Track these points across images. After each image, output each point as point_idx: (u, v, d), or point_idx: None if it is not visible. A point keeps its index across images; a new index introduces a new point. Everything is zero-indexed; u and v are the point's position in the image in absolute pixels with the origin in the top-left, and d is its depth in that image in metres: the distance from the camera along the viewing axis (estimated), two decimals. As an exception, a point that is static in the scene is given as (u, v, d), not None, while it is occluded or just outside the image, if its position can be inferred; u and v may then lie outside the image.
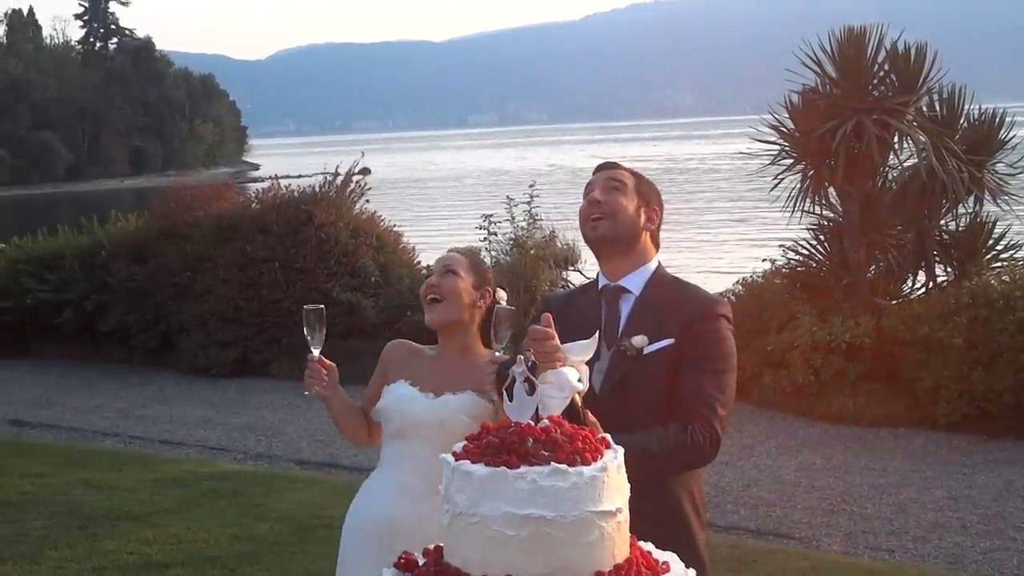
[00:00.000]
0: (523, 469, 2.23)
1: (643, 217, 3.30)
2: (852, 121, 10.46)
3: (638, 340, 3.15)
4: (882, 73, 10.94)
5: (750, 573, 6.47)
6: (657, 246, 3.38)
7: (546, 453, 2.27)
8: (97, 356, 14.99)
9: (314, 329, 3.46)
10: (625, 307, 3.26)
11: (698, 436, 3.03)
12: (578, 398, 2.59)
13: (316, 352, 3.54)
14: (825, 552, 7.09)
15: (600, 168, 3.41)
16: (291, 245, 13.66)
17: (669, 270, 3.39)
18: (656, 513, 2.99)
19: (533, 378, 2.41)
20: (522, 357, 2.44)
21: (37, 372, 14.56)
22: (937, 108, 11.16)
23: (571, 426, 2.36)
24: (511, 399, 2.38)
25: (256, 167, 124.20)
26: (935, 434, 9.64)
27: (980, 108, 11.41)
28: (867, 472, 8.71)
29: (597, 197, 3.28)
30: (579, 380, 2.72)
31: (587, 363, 3.04)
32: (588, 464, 2.26)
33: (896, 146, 11.00)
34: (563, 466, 2.23)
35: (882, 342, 10.36)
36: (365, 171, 15.21)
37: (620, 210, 3.26)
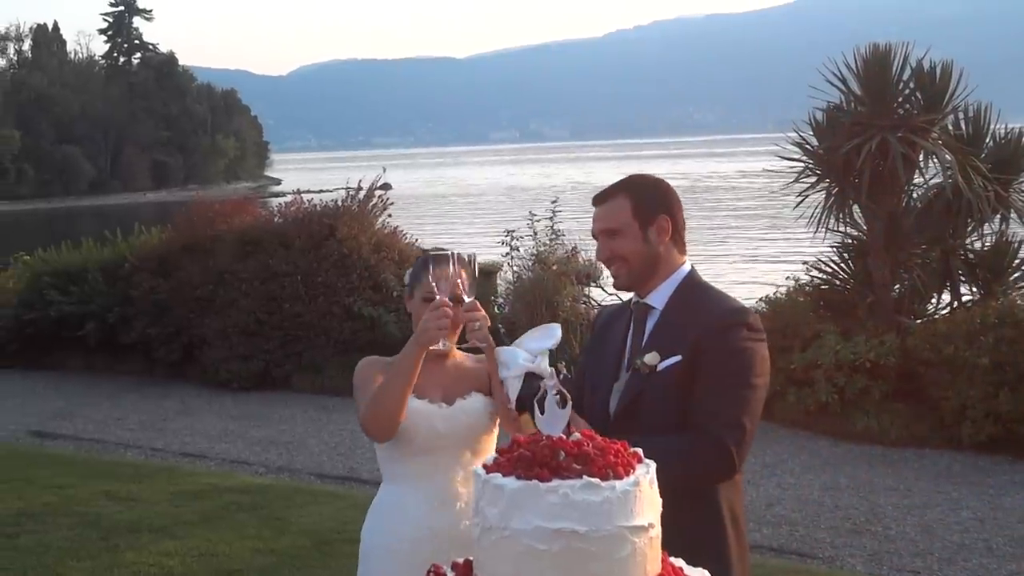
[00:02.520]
0: (555, 483, 2.21)
1: (653, 237, 3.20)
2: (877, 139, 10.41)
3: (650, 358, 3.11)
4: (907, 91, 10.89)
5: (774, 593, 6.41)
6: (682, 250, 3.28)
7: (578, 467, 2.24)
8: (119, 368, 15.05)
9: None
10: (650, 324, 3.22)
11: (702, 448, 2.96)
12: (554, 384, 2.50)
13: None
14: (849, 572, 7.02)
15: (594, 202, 3.31)
16: (313, 259, 13.68)
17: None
18: (692, 525, 2.96)
19: (565, 391, 2.39)
20: (553, 370, 2.42)
21: (60, 384, 14.62)
22: (963, 127, 11.10)
23: (603, 440, 2.34)
24: (542, 412, 2.36)
25: (277, 182, 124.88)
26: (960, 454, 9.57)
27: (1006, 127, 11.34)
28: (892, 492, 8.63)
29: (601, 257, 3.28)
30: (534, 360, 2.79)
31: (607, 384, 3.04)
32: (621, 478, 2.23)
33: (921, 164, 10.94)
34: (595, 480, 2.21)
35: (907, 361, 10.29)
36: (386, 186, 15.25)
37: (627, 256, 3.21)
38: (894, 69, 10.81)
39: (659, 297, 3.22)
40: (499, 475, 2.28)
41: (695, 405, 3.03)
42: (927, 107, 10.77)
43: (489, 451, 3.40)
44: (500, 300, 13.33)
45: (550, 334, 3.11)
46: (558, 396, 2.37)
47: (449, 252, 3.36)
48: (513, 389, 2.95)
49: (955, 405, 9.71)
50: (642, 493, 2.25)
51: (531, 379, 3.01)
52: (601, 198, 3.28)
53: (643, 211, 3.21)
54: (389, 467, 3.52)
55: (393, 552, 3.37)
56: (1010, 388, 9.40)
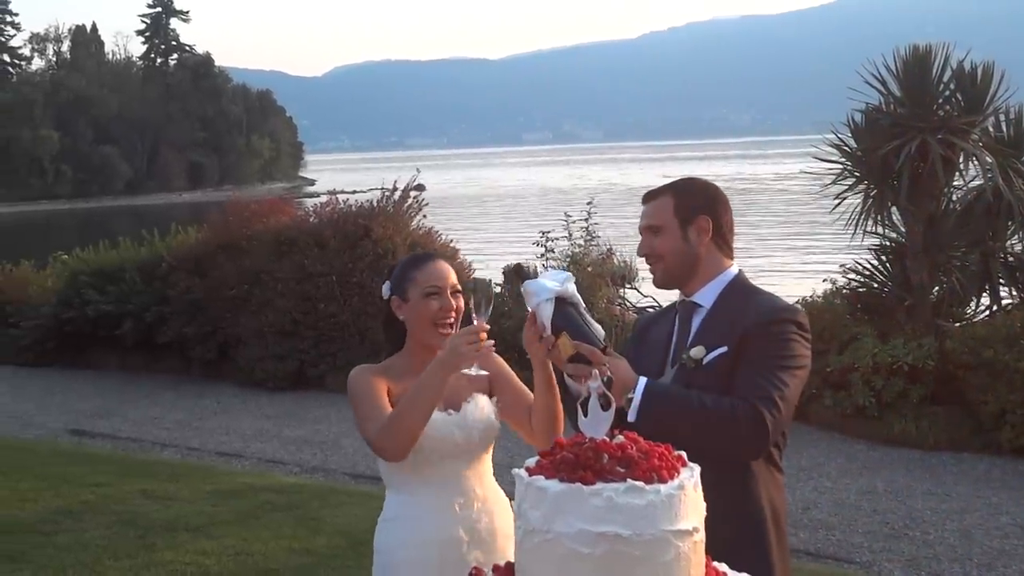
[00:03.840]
0: (599, 486, 2.19)
1: (693, 237, 3.23)
2: (916, 141, 10.33)
3: (696, 352, 3.12)
4: (947, 93, 10.80)
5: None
6: (728, 254, 3.30)
7: (622, 470, 2.22)
8: (155, 367, 15.16)
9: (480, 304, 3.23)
10: (697, 321, 3.23)
11: (738, 414, 2.94)
12: (597, 386, 2.49)
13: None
14: (887, 577, 6.96)
15: (643, 200, 3.38)
16: (348, 259, 13.72)
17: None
18: (735, 524, 2.98)
19: (609, 393, 2.37)
20: (596, 371, 2.41)
21: (97, 382, 14.74)
22: (1004, 128, 10.99)
23: (647, 443, 2.32)
24: (585, 414, 2.35)
25: (312, 182, 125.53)
26: (1000, 459, 9.48)
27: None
28: (930, 497, 8.56)
29: (640, 252, 3.33)
30: (561, 284, 2.91)
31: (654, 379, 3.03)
32: (665, 482, 2.22)
33: (961, 167, 10.84)
34: (639, 483, 2.19)
35: (945, 365, 10.20)
36: (420, 187, 15.26)
37: (664, 254, 3.25)
38: (934, 70, 10.73)
39: (706, 296, 3.24)
40: (542, 478, 2.26)
41: (735, 383, 3.03)
42: (967, 109, 10.67)
43: (491, 447, 3.44)
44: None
45: (564, 273, 3.11)
46: (602, 398, 2.36)
47: (471, 280, 3.28)
48: (546, 315, 2.92)
49: (994, 409, 9.62)
50: (687, 497, 2.23)
51: (561, 305, 2.98)
52: (649, 196, 3.34)
53: (684, 210, 3.24)
54: (401, 477, 3.40)
55: (421, 559, 3.31)
56: (1050, 392, 9.30)
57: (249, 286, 14.11)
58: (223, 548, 7.15)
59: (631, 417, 2.88)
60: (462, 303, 3.43)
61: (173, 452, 10.90)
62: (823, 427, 10.39)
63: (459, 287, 3.44)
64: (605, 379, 2.45)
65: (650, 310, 10.92)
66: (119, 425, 12.15)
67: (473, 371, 3.25)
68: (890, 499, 8.54)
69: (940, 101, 10.82)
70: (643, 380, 2.95)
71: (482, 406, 3.43)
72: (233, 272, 14.25)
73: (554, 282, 3.00)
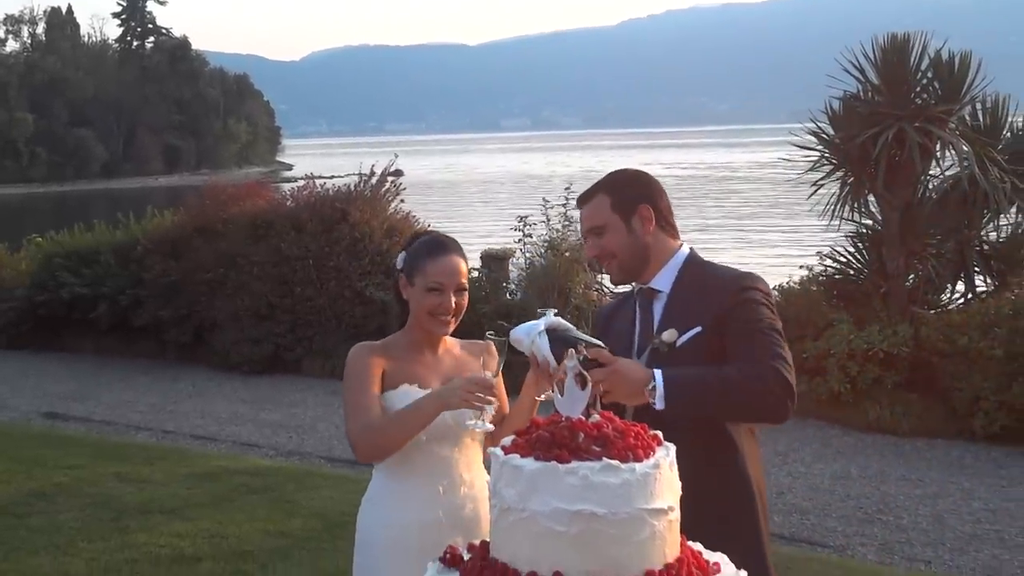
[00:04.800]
0: (574, 464, 2.19)
1: (638, 228, 3.24)
2: (894, 128, 10.36)
3: (667, 335, 3.11)
4: (925, 81, 10.83)
5: (785, 581, 6.38)
6: (673, 235, 3.31)
7: (597, 448, 2.22)
8: (130, 351, 15.08)
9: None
10: (658, 307, 3.22)
11: (765, 376, 2.94)
12: (574, 366, 2.49)
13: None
14: (860, 562, 7.00)
15: (577, 204, 3.38)
16: (325, 243, 13.67)
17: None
18: (725, 500, 3.03)
19: (585, 373, 2.36)
20: (573, 351, 2.40)
21: (71, 365, 14.65)
22: (980, 118, 11.04)
23: (623, 422, 2.31)
24: (561, 393, 2.34)
25: (289, 167, 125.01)
26: (973, 445, 9.54)
27: (1024, 119, 11.30)
28: (903, 482, 8.61)
29: (591, 255, 3.33)
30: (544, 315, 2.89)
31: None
32: (640, 461, 2.22)
33: (938, 155, 10.88)
34: (615, 462, 2.19)
35: (920, 352, 10.25)
36: (398, 172, 15.19)
37: (615, 251, 3.25)
38: (912, 59, 10.76)
39: (664, 280, 3.24)
40: (517, 456, 2.26)
41: (737, 357, 3.02)
42: (945, 97, 10.71)
43: (481, 435, 3.40)
44: (512, 286, 13.31)
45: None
46: (578, 378, 2.35)
47: (492, 338, 3.21)
48: (545, 349, 2.89)
49: (968, 396, 9.68)
50: (662, 476, 2.23)
51: (553, 334, 2.96)
52: (582, 199, 3.34)
53: (622, 204, 3.25)
54: (388, 458, 3.39)
55: (401, 541, 3.30)
56: (1024, 379, 9.37)
57: (225, 269, 14.04)
58: (198, 530, 7.13)
59: (659, 405, 2.86)
60: (465, 302, 3.42)
61: (148, 435, 10.85)
62: (798, 413, 10.25)
63: (465, 285, 3.41)
64: (581, 358, 2.45)
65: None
66: (93, 408, 12.08)
67: (479, 426, 3.18)
68: (864, 484, 8.59)
69: (918, 89, 10.85)
70: (658, 370, 2.92)
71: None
72: (209, 255, 14.17)
73: (533, 322, 2.99)
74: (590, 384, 2.36)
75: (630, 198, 3.26)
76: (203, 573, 6.32)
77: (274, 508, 7.72)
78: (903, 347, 10.15)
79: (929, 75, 10.81)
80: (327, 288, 13.60)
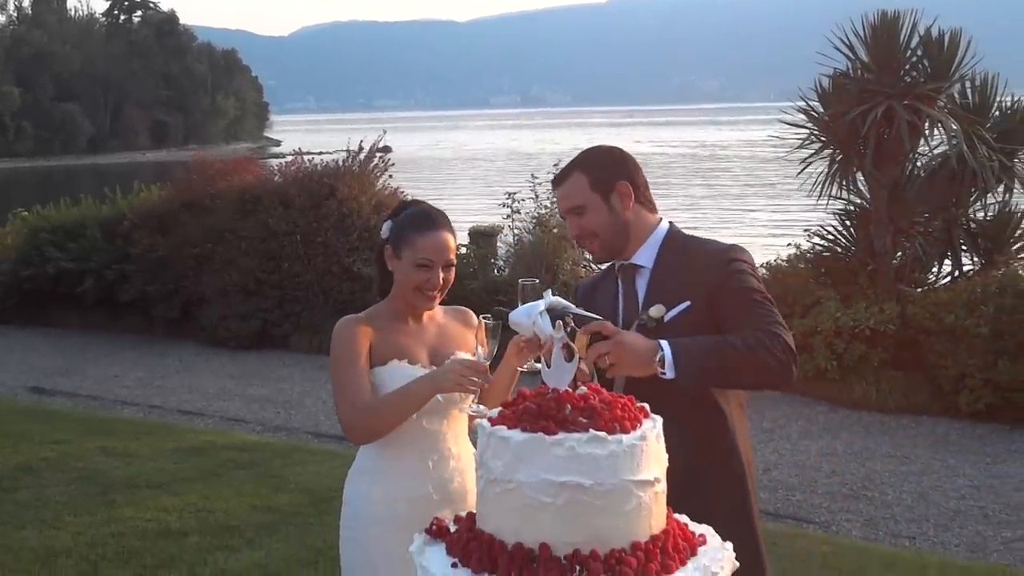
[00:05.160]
0: (561, 436, 2.19)
1: (617, 205, 3.21)
2: (883, 106, 10.35)
3: (655, 310, 3.09)
4: (914, 59, 10.81)
5: (770, 556, 6.39)
6: (652, 209, 3.29)
7: (584, 420, 2.22)
8: (117, 326, 15.05)
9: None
10: (641, 282, 3.21)
11: (769, 341, 2.93)
12: (561, 338, 2.48)
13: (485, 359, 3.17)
14: (845, 537, 7.03)
15: (553, 185, 3.37)
16: (313, 219, 13.64)
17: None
18: (718, 471, 3.05)
19: (572, 344, 2.36)
20: (560, 323, 2.39)
21: (57, 340, 14.62)
22: (969, 96, 11.03)
23: (610, 394, 2.31)
24: (548, 365, 2.34)
25: (277, 143, 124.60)
26: (958, 422, 9.58)
27: (1012, 97, 11.29)
28: (889, 459, 8.65)
29: (572, 235, 3.30)
30: (542, 296, 2.84)
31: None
32: (627, 432, 2.21)
33: (926, 133, 10.88)
34: (602, 433, 2.18)
35: (906, 329, 10.28)
36: (386, 149, 15.13)
37: (597, 230, 3.22)
38: (902, 36, 10.74)
39: (645, 256, 3.22)
40: (504, 427, 2.26)
41: (734, 327, 3.01)
42: (934, 75, 10.70)
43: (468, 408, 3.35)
44: (500, 263, 13.30)
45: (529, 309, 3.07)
46: (564, 349, 2.35)
47: (487, 316, 3.17)
48: (547, 329, 2.86)
49: (954, 373, 9.72)
50: (648, 447, 2.23)
51: (554, 314, 2.94)
52: (558, 180, 3.31)
53: (600, 182, 3.22)
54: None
55: (390, 515, 3.29)
56: (1009, 357, 9.40)
57: (213, 245, 14.00)
58: (184, 504, 7.13)
59: (669, 374, 2.83)
60: (451, 277, 3.39)
61: (134, 410, 10.84)
62: (784, 390, 10.43)
63: (453, 260, 3.38)
64: (569, 330, 2.44)
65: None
66: (80, 383, 12.06)
67: (473, 409, 3.14)
68: (849, 461, 8.63)
69: (907, 67, 10.84)
70: (663, 340, 2.90)
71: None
72: (197, 230, 14.13)
73: (535, 302, 2.97)
74: (577, 356, 2.35)
75: (608, 176, 3.23)
76: (190, 547, 6.32)
77: (261, 483, 7.72)
78: (889, 325, 10.17)
79: (919, 53, 10.80)
80: (315, 264, 13.57)
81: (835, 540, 6.89)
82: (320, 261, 13.56)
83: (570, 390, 2.31)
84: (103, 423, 9.89)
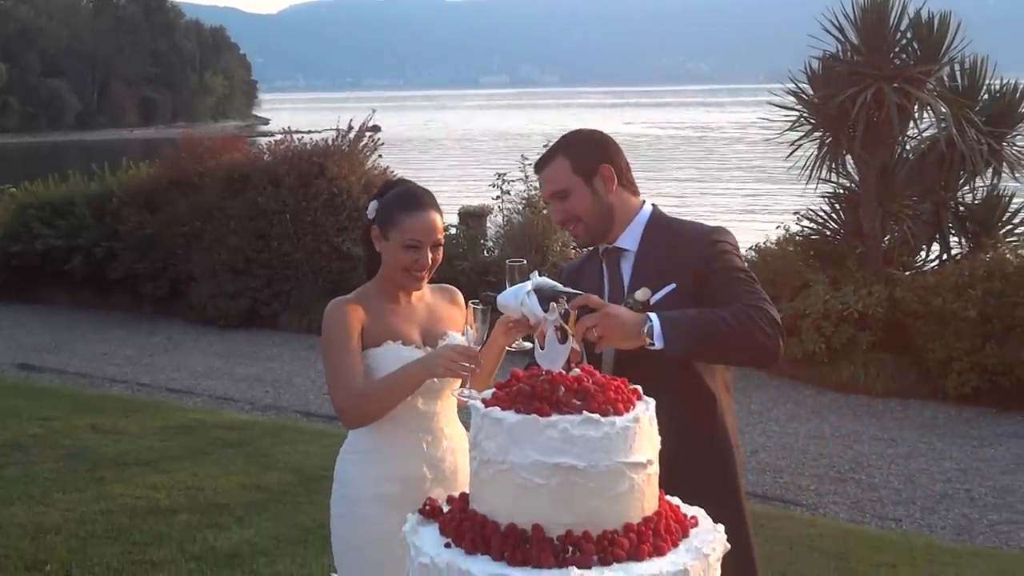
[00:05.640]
0: (554, 417, 2.20)
1: (601, 189, 3.21)
2: (872, 89, 10.37)
3: (641, 293, 3.08)
4: (904, 41, 10.83)
5: (757, 538, 6.42)
6: (635, 192, 3.29)
7: (578, 402, 2.23)
8: (106, 303, 15.02)
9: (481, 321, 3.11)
10: (626, 266, 3.22)
11: (756, 316, 2.95)
12: (555, 319, 2.49)
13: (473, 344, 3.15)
14: (832, 520, 7.06)
15: (535, 170, 3.37)
16: (302, 198, 13.61)
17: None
18: (706, 452, 3.06)
19: (566, 326, 2.37)
20: (555, 304, 2.40)
21: (46, 317, 14.59)
22: (958, 79, 11.06)
23: (603, 376, 2.32)
24: (542, 347, 2.34)
25: (266, 121, 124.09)
26: (945, 406, 9.63)
27: (1001, 81, 11.31)
28: (876, 442, 8.69)
29: (556, 219, 3.30)
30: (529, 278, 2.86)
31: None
32: (620, 414, 2.23)
33: (916, 115, 10.90)
34: (595, 416, 2.20)
35: (894, 312, 10.31)
36: (375, 128, 15.08)
37: (581, 214, 3.22)
38: (891, 19, 10.75)
39: (630, 239, 3.23)
40: (498, 409, 2.27)
41: (721, 304, 3.02)
42: (924, 58, 10.72)
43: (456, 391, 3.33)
44: (490, 243, 13.29)
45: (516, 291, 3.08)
46: (558, 331, 2.35)
47: (476, 301, 3.12)
48: (536, 309, 2.85)
49: (941, 357, 9.75)
50: (641, 429, 2.24)
51: (541, 294, 2.94)
52: (541, 164, 3.31)
53: (583, 166, 3.22)
54: None
55: (381, 495, 3.30)
56: (996, 341, 9.45)
57: (201, 223, 13.97)
58: (174, 482, 7.14)
59: (658, 344, 2.84)
60: (440, 256, 3.38)
61: (123, 388, 10.83)
62: (772, 372, 10.48)
63: (441, 240, 3.37)
64: (563, 311, 2.45)
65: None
66: (68, 360, 12.04)
67: (466, 394, 3.08)
68: (837, 443, 8.66)
69: (896, 50, 10.86)
70: (652, 313, 2.92)
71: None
72: (185, 208, 14.09)
73: (521, 284, 2.97)
74: (571, 338, 2.36)
75: (590, 159, 3.22)
76: (179, 525, 6.33)
77: (250, 462, 7.73)
78: (878, 308, 10.20)
79: (908, 36, 10.82)
80: (304, 243, 13.56)
81: (822, 522, 6.92)
82: (309, 240, 13.54)
83: (564, 372, 2.32)
84: (92, 400, 9.89)
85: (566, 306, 2.54)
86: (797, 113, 11.23)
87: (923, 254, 11.41)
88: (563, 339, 2.35)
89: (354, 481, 3.38)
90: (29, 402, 9.51)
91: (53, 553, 5.88)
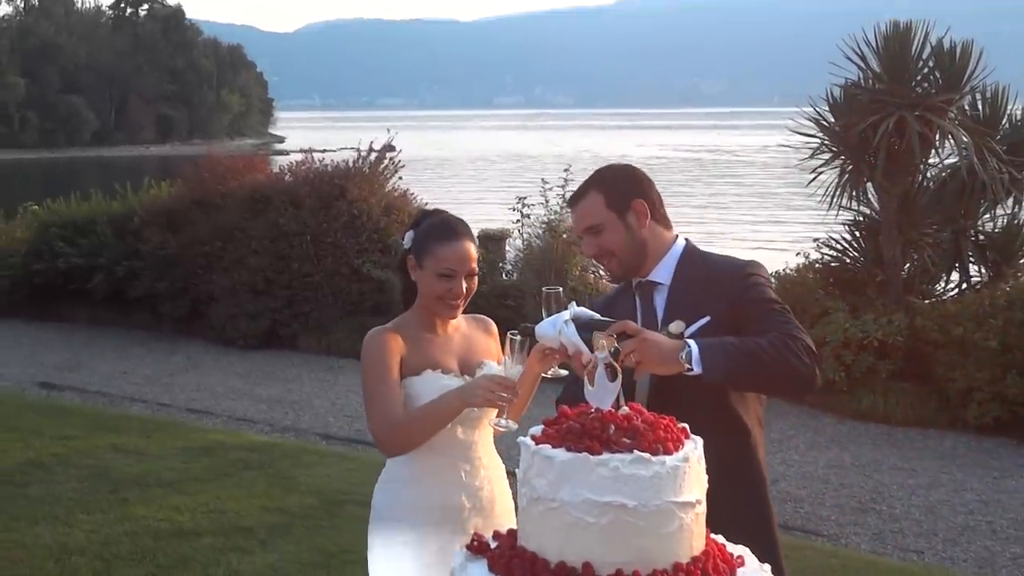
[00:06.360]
0: (605, 456, 2.22)
1: (634, 224, 3.25)
2: (894, 117, 10.38)
3: (675, 326, 3.11)
4: (926, 70, 10.84)
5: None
6: (668, 226, 3.33)
7: (628, 440, 2.25)
8: (126, 322, 15.07)
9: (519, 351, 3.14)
10: (659, 299, 3.24)
11: (793, 344, 2.98)
12: (604, 357, 2.53)
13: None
14: (854, 551, 7.05)
15: (569, 205, 3.42)
16: (323, 219, 13.66)
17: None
18: (742, 491, 3.08)
19: (616, 364, 2.39)
20: (604, 343, 2.42)
21: (66, 336, 14.64)
22: (980, 107, 11.06)
23: (651, 414, 2.34)
24: (592, 384, 2.37)
25: (281, 139, 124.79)
26: (965, 436, 9.60)
27: (1023, 110, 11.32)
28: (896, 472, 8.66)
29: (589, 254, 3.34)
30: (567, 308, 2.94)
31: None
32: (670, 453, 2.25)
33: (937, 144, 10.91)
34: (646, 455, 2.22)
35: (915, 341, 10.30)
36: (390, 148, 15.11)
37: (615, 249, 3.25)
38: (914, 47, 10.76)
39: (663, 273, 3.26)
40: (548, 446, 2.28)
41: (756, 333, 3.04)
42: (945, 86, 10.72)
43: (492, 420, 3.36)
44: (509, 267, 13.33)
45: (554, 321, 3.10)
46: (608, 369, 2.37)
47: (514, 332, 3.13)
48: (573, 337, 2.88)
49: (962, 386, 9.73)
50: (691, 469, 2.26)
51: (578, 322, 2.96)
52: (574, 200, 3.35)
53: (617, 201, 3.25)
54: None
55: (420, 524, 3.32)
56: (1018, 371, 9.41)
57: (222, 243, 14.02)
58: (196, 504, 7.16)
59: (696, 369, 2.87)
60: (475, 285, 3.43)
61: (143, 407, 10.86)
62: (792, 400, 10.47)
63: (475, 269, 3.42)
64: (612, 350, 2.47)
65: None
66: (88, 379, 12.08)
67: (503, 424, 3.15)
68: (857, 473, 8.64)
69: (918, 78, 10.86)
70: (690, 338, 2.95)
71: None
72: (206, 229, 14.15)
73: (559, 314, 3.01)
74: (620, 376, 2.38)
75: (623, 194, 3.26)
76: (203, 548, 6.35)
77: (272, 484, 7.75)
78: (898, 336, 10.19)
79: (930, 64, 10.82)
80: (324, 264, 13.60)
81: (844, 553, 6.91)
82: (329, 262, 13.59)
83: (613, 410, 2.34)
84: (112, 420, 9.92)
85: (616, 344, 2.56)
86: (819, 140, 11.24)
87: (943, 283, 11.39)
88: (612, 377, 2.37)
89: (393, 510, 3.41)
90: (51, 421, 9.55)
91: (78, 575, 5.91)
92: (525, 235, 13.10)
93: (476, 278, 3.45)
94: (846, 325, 10.29)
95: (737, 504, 3.03)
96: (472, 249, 3.42)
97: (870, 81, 11.00)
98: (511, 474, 3.40)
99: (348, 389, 11.38)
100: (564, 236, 12.42)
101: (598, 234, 3.25)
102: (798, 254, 11.93)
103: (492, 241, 13.62)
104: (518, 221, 13.21)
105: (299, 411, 10.70)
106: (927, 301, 10.96)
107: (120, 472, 7.94)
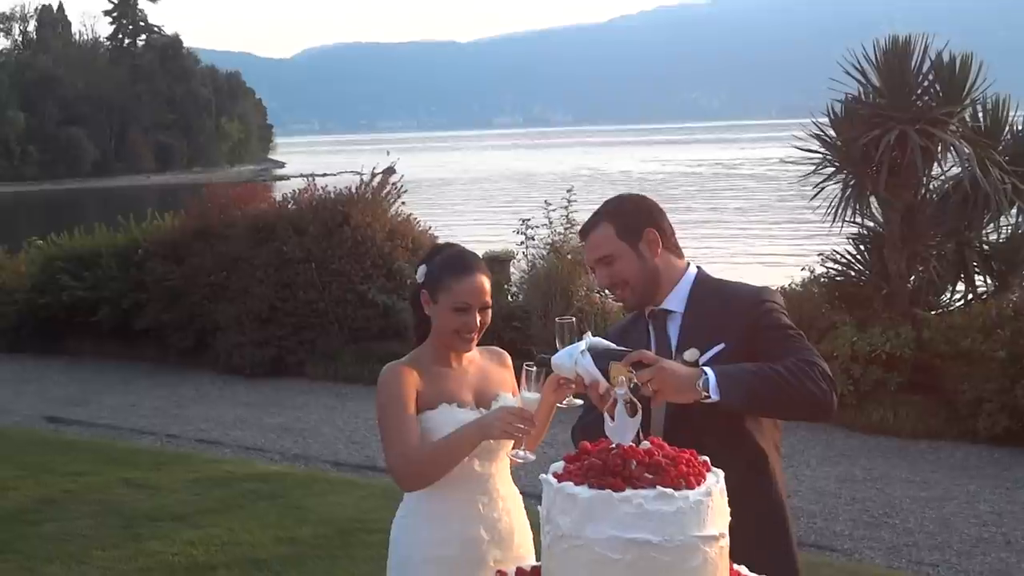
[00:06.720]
0: (629, 492, 2.22)
1: (646, 253, 3.26)
2: (895, 131, 10.40)
3: (689, 354, 3.12)
4: (926, 83, 10.86)
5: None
6: (679, 255, 3.34)
7: (650, 476, 2.26)
8: (132, 354, 15.06)
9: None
10: (673, 327, 3.25)
11: (810, 370, 2.99)
12: (624, 393, 2.55)
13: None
14: (869, 565, 7.04)
15: (580, 236, 3.43)
16: (327, 246, 13.67)
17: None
18: (761, 517, 3.10)
19: (636, 400, 2.40)
20: (623, 378, 2.43)
21: (72, 369, 14.66)
22: (981, 119, 11.07)
23: (673, 448, 2.35)
24: (612, 420, 2.37)
25: (281, 165, 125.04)
26: (976, 447, 9.57)
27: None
28: (908, 485, 8.64)
29: (602, 284, 3.36)
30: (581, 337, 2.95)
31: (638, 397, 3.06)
32: (692, 488, 2.25)
33: (939, 157, 10.92)
34: (669, 490, 2.22)
35: (922, 353, 10.29)
36: (389, 171, 15.13)
37: (628, 279, 3.26)
38: (913, 61, 10.79)
39: (676, 300, 3.27)
40: (571, 483, 2.29)
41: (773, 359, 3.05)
42: (946, 99, 10.74)
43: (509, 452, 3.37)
44: (514, 288, 13.33)
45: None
46: (628, 404, 2.38)
47: (530, 363, 3.17)
48: (590, 367, 2.89)
49: (971, 398, 9.72)
50: (713, 503, 2.27)
51: (594, 351, 2.97)
52: (586, 230, 3.37)
53: (628, 232, 3.27)
54: None
55: (440, 558, 3.31)
56: (1026, 381, 9.41)
57: (227, 273, 14.04)
58: (210, 538, 7.15)
59: (714, 396, 2.87)
60: (488, 318, 3.43)
61: (152, 440, 10.85)
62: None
63: (489, 302, 3.42)
64: (632, 386, 2.48)
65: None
66: (96, 412, 12.08)
67: (520, 456, 3.18)
68: (869, 487, 8.62)
69: (919, 92, 10.89)
70: (706, 366, 2.96)
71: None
72: (211, 259, 14.18)
73: (575, 344, 3.02)
74: (640, 411, 2.39)
75: (635, 224, 3.27)
76: (218, 581, 6.35)
77: (284, 515, 7.74)
78: (906, 349, 10.19)
79: (930, 77, 10.85)
80: (329, 291, 13.61)
81: (859, 569, 6.91)
82: (335, 288, 13.60)
83: (634, 445, 2.34)
84: (122, 453, 9.93)
85: (635, 380, 2.57)
86: (821, 155, 11.26)
87: (948, 294, 11.39)
88: (632, 412, 2.38)
89: (411, 544, 3.40)
90: (60, 456, 9.55)
91: (95, 612, 5.91)
92: (530, 257, 13.10)
93: (490, 311, 3.45)
94: (853, 339, 10.28)
95: (756, 529, 3.03)
96: (486, 282, 3.42)
97: (871, 96, 11.03)
98: (526, 494, 3.42)
99: (356, 415, 11.37)
100: (569, 257, 12.43)
101: (610, 264, 3.27)
102: (803, 269, 11.93)
103: (496, 263, 13.62)
104: (523, 243, 13.22)
105: (308, 439, 10.70)
106: (933, 313, 10.95)
107: (132, 507, 7.94)
